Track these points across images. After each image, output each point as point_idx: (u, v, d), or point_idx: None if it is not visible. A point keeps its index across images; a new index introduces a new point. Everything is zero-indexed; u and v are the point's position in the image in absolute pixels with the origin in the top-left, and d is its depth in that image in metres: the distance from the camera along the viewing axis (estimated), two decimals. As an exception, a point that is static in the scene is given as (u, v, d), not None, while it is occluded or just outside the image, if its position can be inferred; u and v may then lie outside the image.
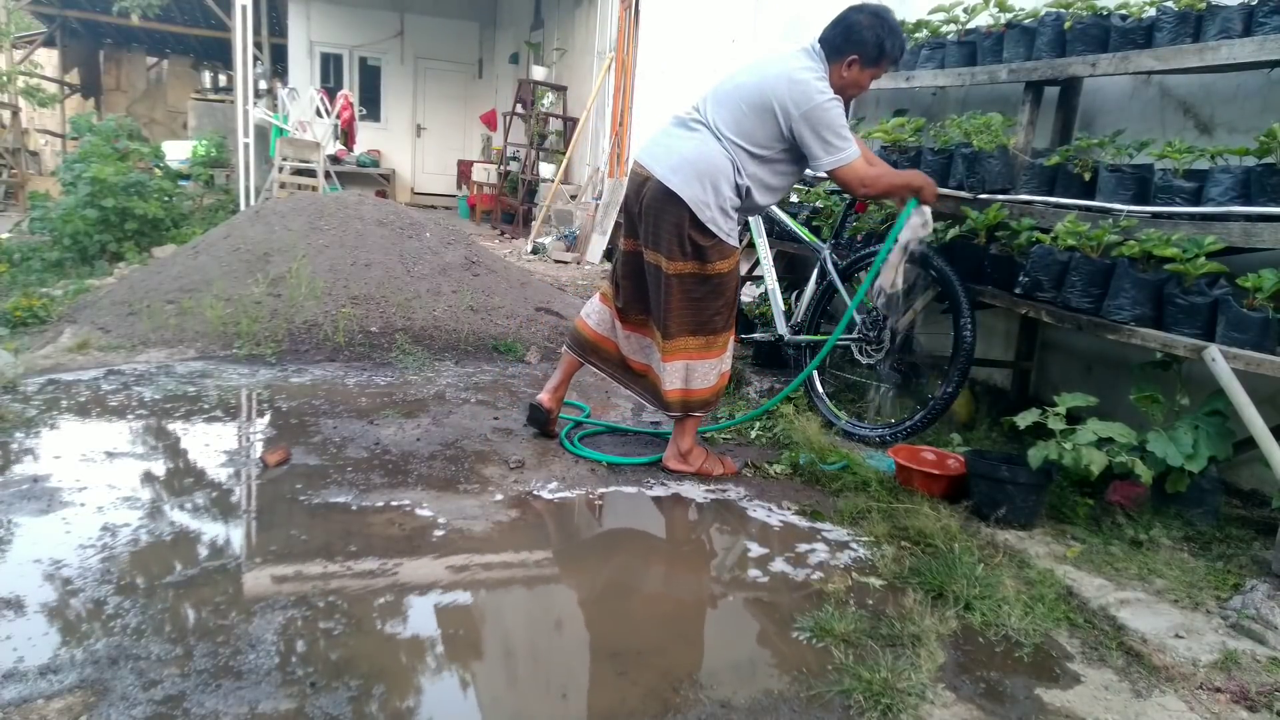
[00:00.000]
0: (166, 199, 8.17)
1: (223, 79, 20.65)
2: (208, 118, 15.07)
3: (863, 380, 4.13)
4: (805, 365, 3.88)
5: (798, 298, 4.21)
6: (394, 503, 2.81)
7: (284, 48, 15.11)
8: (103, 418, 3.41)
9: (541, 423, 3.51)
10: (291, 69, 14.68)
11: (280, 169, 10.43)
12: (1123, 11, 3.50)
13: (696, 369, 3.19)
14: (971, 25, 4.22)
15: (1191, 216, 2.92)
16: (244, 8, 9.69)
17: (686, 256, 3.06)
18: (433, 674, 1.99)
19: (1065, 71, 3.58)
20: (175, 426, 3.38)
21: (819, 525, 2.93)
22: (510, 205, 11.99)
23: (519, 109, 11.68)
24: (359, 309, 4.86)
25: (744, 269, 4.53)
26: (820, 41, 3.10)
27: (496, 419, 3.75)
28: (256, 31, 11.34)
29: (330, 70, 14.92)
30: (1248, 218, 2.77)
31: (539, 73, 11.45)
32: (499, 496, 2.95)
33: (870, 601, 2.40)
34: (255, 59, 12.29)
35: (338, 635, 2.05)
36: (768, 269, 4.21)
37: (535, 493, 3.01)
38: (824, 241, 4.08)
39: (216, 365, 4.25)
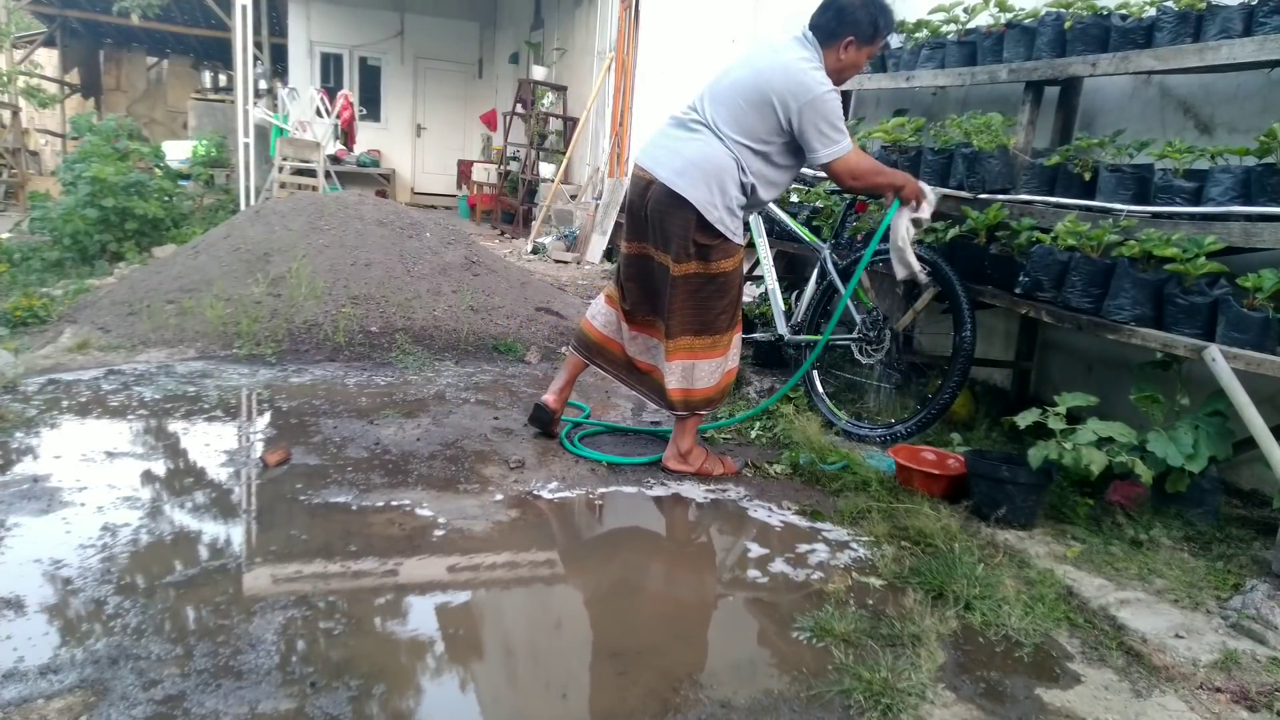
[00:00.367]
0: (166, 199, 8.16)
1: (223, 79, 20.66)
2: (208, 118, 15.07)
3: (863, 380, 4.13)
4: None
5: (798, 297, 4.21)
6: (394, 503, 2.81)
7: (284, 48, 15.12)
8: (103, 418, 3.41)
9: (545, 423, 3.51)
10: (291, 69, 14.69)
11: (280, 169, 10.43)
12: (1123, 11, 3.50)
13: (700, 368, 3.19)
14: (972, 25, 4.22)
15: (1191, 216, 2.93)
16: (244, 8, 9.69)
17: (691, 257, 3.06)
18: (433, 674, 1.99)
19: (1065, 71, 3.58)
20: (175, 426, 3.38)
21: (819, 525, 2.93)
22: (510, 205, 12.00)
23: (519, 109, 11.69)
24: (359, 309, 4.86)
25: (745, 268, 4.53)
26: (812, 28, 3.09)
27: (496, 419, 3.75)
28: (256, 31, 11.34)
29: (330, 70, 14.93)
30: (1248, 218, 2.77)
31: (539, 73, 11.46)
32: (499, 496, 2.95)
33: (870, 601, 2.40)
34: (255, 59, 12.29)
35: (338, 635, 2.05)
36: (768, 269, 4.21)
37: (535, 493, 3.01)
38: (824, 241, 4.09)
39: (216, 365, 4.25)
